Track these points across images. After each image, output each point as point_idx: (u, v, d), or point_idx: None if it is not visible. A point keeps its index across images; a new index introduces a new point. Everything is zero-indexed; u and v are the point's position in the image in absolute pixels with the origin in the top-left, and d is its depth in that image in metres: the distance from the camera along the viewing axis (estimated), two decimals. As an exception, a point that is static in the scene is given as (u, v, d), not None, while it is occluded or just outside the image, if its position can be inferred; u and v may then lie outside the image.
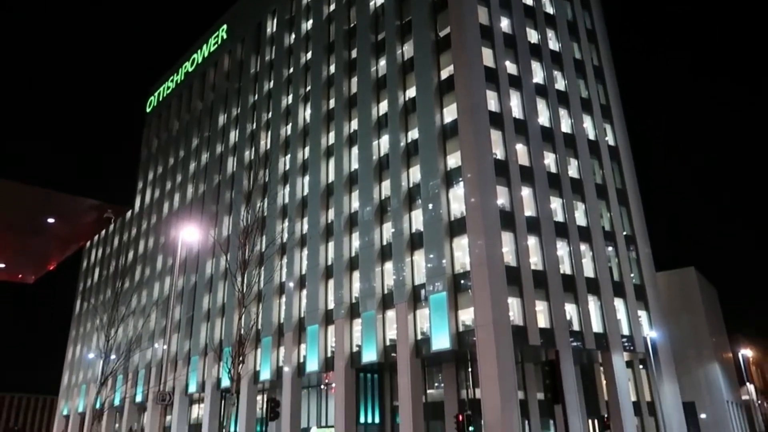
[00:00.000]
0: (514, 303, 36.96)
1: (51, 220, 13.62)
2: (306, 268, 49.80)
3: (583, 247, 42.12)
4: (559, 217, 41.81)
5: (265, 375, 50.19)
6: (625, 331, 42.21)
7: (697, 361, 56.32)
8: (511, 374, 34.72)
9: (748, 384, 64.82)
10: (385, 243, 44.00)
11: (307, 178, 53.34)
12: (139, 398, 64.89)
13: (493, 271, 35.88)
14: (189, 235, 25.58)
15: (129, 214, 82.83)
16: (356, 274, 45.30)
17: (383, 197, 45.34)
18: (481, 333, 34.99)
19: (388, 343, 41.71)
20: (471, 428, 31.97)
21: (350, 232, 47.07)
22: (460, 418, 31.38)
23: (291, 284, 50.50)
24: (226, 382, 50.31)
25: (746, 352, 66.84)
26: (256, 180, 54.37)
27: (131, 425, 65.31)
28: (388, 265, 42.96)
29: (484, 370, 34.59)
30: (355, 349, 43.79)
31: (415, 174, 43.13)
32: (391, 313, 41.77)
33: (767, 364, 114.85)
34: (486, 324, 34.78)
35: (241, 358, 7.50)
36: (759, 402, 78.05)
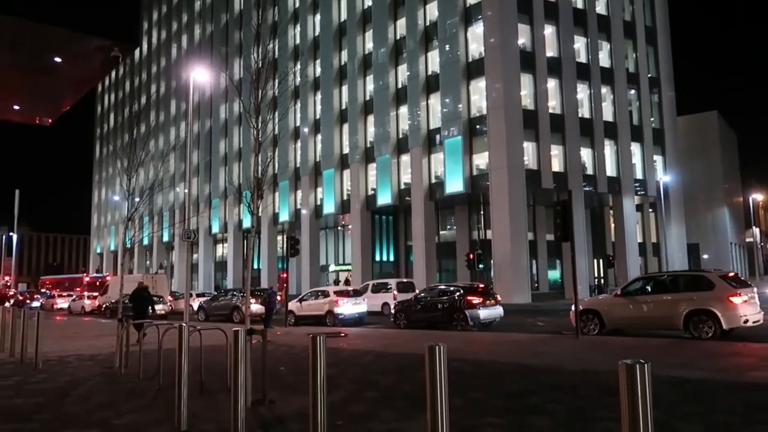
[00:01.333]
0: (529, 147, 36.82)
1: (58, 60, 13.32)
2: (320, 113, 49.35)
3: (605, 90, 40.85)
4: (582, 58, 40.03)
5: (284, 217, 52.13)
6: (639, 176, 42.42)
7: (707, 204, 57.15)
8: (522, 216, 35.68)
9: (753, 227, 66.30)
10: (400, 86, 42.94)
11: (318, 17, 50.78)
12: (166, 238, 68.42)
13: (510, 114, 35.29)
14: (200, 76, 25.00)
15: (137, 56, 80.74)
16: (371, 119, 44.89)
17: (398, 37, 43.36)
18: (495, 176, 35.36)
19: (402, 186, 42.50)
20: (481, 266, 33.68)
21: (364, 74, 45.78)
22: (471, 256, 32.89)
23: (306, 129, 50.41)
24: (246, 223, 52.60)
25: (756, 197, 67.51)
26: (264, 18, 51.75)
27: (161, 262, 69.69)
28: (403, 109, 42.35)
29: (496, 212, 35.52)
30: (370, 192, 44.79)
31: (432, 11, 40.76)
32: (405, 158, 42.03)
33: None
34: (500, 167, 35.01)
35: (259, 200, 7.61)
36: (762, 244, 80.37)
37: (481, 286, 20.33)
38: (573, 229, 15.12)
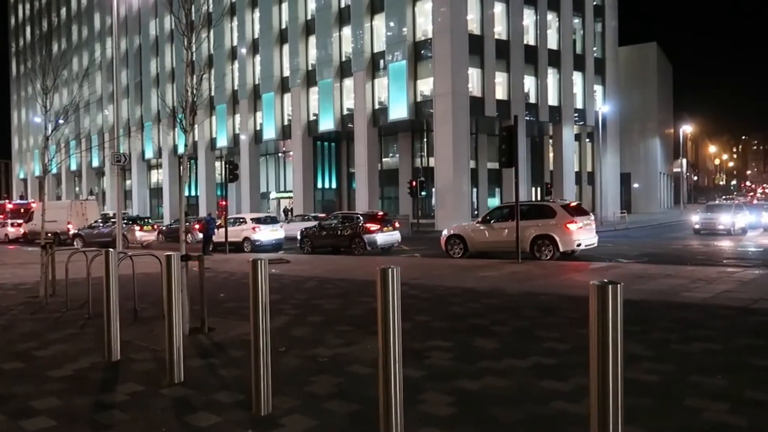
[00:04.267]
0: (474, 73, 36.42)
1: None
2: (259, 32, 46.78)
3: (550, 16, 40.47)
4: (530, -18, 39.25)
5: (222, 142, 50.24)
6: (579, 105, 43.02)
7: (641, 135, 58.99)
8: (465, 143, 35.73)
9: (681, 158, 69.32)
10: (343, 5, 41.03)
11: (255, -74, 47.19)
12: (95, 163, 64.99)
13: (456, 39, 34.52)
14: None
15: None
16: (312, 40, 42.97)
17: (342, -48, 41.03)
18: (439, 103, 34.94)
19: (345, 112, 41.49)
20: (423, 193, 33.87)
21: (305, -9, 43.40)
22: (414, 183, 32.92)
23: (243, 49, 47.82)
24: (181, 148, 50.39)
25: (686, 128, 70.22)
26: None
27: (91, 188, 66.47)
28: (347, 31, 40.68)
29: (439, 140, 35.35)
30: (312, 117, 43.54)
31: (378, -75, 38.58)
32: (348, 82, 40.80)
33: (702, 141, 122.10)
34: (445, 94, 34.55)
35: (193, 121, 6.89)
36: (687, 174, 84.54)
37: (380, 213, 22.23)
38: (518, 155, 15.14)
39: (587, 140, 47.38)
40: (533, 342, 6.14)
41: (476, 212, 39.12)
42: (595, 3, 43.65)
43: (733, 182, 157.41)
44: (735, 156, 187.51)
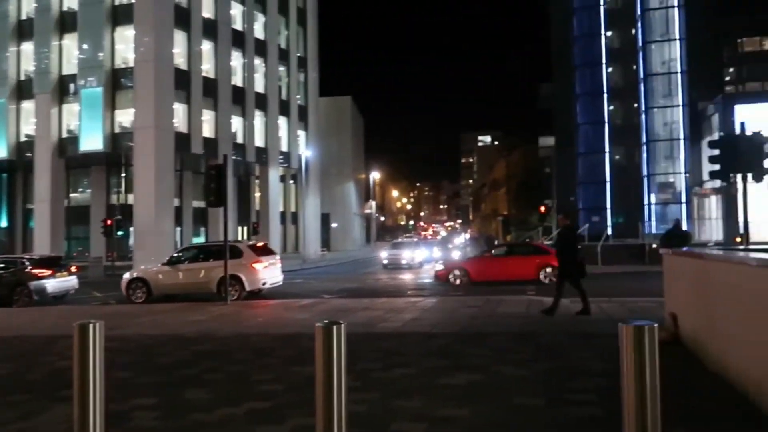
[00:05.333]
0: (179, 108, 35.21)
1: None
2: None
3: (258, 61, 41.82)
4: (238, 26, 40.04)
5: None
6: (284, 148, 45.05)
7: (338, 178, 64.48)
8: (169, 180, 34.05)
9: (371, 201, 77.88)
10: (24, 17, 35.70)
11: None
12: None
13: (161, 71, 32.99)
14: None
15: None
16: (-21, 50, 36.18)
17: (23, -44, 35.89)
18: (140, 136, 32.68)
19: (23, 138, 35.70)
20: (120, 232, 30.92)
21: (-29, -7, 36.50)
22: (109, 222, 29.86)
23: None
24: None
25: (375, 175, 79.40)
26: None
27: None
28: (28, 46, 35.40)
29: (140, 175, 32.95)
30: (-24, 141, 36.27)
31: (70, -64, 34.93)
32: (29, 105, 35.35)
33: (387, 186, 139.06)
34: (147, 127, 32.50)
35: None
36: (376, 215, 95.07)
37: (52, 256, 20.15)
38: (227, 194, 14.98)
39: (291, 182, 49.72)
40: (248, 386, 5.98)
41: (181, 252, 37.27)
42: (299, 54, 46.72)
43: (411, 222, 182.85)
44: (412, 199, 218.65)
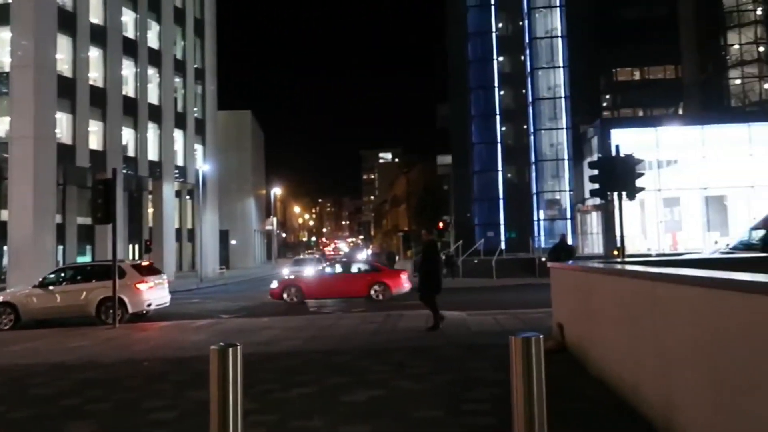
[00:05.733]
0: (63, 118, 32.85)
1: None
2: None
3: (152, 71, 40.05)
4: (130, 33, 38.18)
5: None
6: (180, 162, 43.31)
7: (237, 194, 62.85)
8: (51, 195, 31.60)
9: (273, 217, 76.56)
10: None
11: None
12: None
13: (42, 77, 30.66)
14: None
15: None
16: None
17: None
18: (17, 147, 30.10)
19: None
20: (-7, 251, 28.20)
21: None
22: (-20, 240, 27.16)
23: None
24: None
25: (276, 190, 78.27)
26: None
27: None
28: None
29: (16, 189, 30.27)
30: None
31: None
32: None
33: (289, 202, 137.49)
34: (25, 137, 30.00)
35: None
36: (277, 231, 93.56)
37: None
38: (116, 210, 14.11)
39: (188, 197, 47.83)
40: (138, 415, 5.64)
41: (63, 272, 34.55)
42: (196, 66, 45.27)
43: (313, 238, 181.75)
44: (314, 215, 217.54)
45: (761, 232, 14.65)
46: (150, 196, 43.01)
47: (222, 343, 2.40)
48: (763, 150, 31.16)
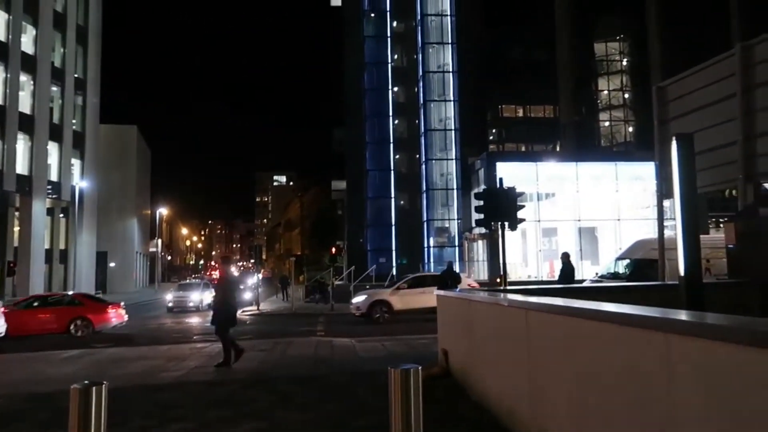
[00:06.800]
0: None
1: None
2: None
3: (25, 78, 37.01)
4: (1, 36, 35.14)
5: None
6: (54, 177, 40.12)
7: (119, 214, 59.06)
8: None
9: (157, 239, 72.66)
10: None
11: None
12: None
13: None
14: None
15: None
16: None
17: None
18: None
19: None
20: None
21: None
22: None
23: None
24: None
25: (163, 210, 74.56)
26: None
27: None
28: None
29: None
30: None
31: None
32: None
33: (176, 223, 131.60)
34: None
35: None
36: (162, 254, 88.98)
37: None
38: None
39: (61, 216, 44.24)
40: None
41: None
42: (76, 75, 42.43)
43: (201, 262, 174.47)
44: (203, 237, 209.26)
45: (626, 262, 16.04)
46: (17, 214, 39.30)
47: (86, 382, 2.24)
48: (627, 186, 34.43)
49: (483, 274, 36.84)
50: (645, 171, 29.42)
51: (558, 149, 54.13)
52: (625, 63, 57.41)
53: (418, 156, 50.13)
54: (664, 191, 10.50)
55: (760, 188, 10.05)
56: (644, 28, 48.89)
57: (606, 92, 57.68)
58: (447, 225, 48.24)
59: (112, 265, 57.69)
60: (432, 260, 46.22)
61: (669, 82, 10.80)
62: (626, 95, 57.35)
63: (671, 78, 10.89)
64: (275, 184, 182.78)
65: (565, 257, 14.72)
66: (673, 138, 4.75)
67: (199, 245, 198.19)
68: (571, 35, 51.33)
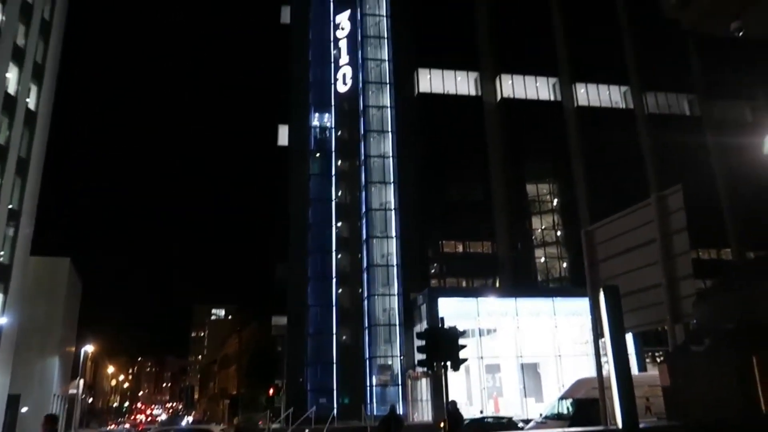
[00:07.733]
0: None
1: None
2: None
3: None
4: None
5: None
6: (-29, 313, 37.35)
7: (40, 352, 54.78)
8: None
9: (79, 379, 67.22)
10: None
11: None
12: None
13: None
14: None
15: None
16: None
17: None
18: None
19: None
20: None
21: None
22: None
23: None
24: None
25: (89, 348, 69.78)
26: None
27: None
28: None
29: None
30: None
31: None
32: None
33: (102, 361, 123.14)
34: None
35: None
36: (83, 396, 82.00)
37: None
38: None
39: (-27, 354, 40.66)
40: None
41: None
42: (12, 207, 41.34)
43: (126, 403, 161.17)
44: (131, 377, 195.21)
45: (569, 401, 15.92)
46: None
47: None
48: (565, 321, 35.14)
49: (427, 414, 35.56)
50: (581, 306, 30.24)
51: (498, 284, 55.45)
52: (555, 203, 61.30)
53: (360, 291, 50.05)
54: (599, 330, 10.78)
55: (689, 326, 10.48)
56: (571, 172, 53.01)
57: (539, 230, 60.77)
58: (390, 362, 47.10)
59: (24, 410, 52.39)
60: (375, 400, 44.43)
61: (596, 227, 11.53)
62: (558, 233, 60.53)
63: (598, 222, 11.65)
64: (213, 318, 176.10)
65: (453, 405, 15.52)
66: (600, 290, 4.98)
67: (126, 384, 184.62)
68: (505, 177, 54.88)
